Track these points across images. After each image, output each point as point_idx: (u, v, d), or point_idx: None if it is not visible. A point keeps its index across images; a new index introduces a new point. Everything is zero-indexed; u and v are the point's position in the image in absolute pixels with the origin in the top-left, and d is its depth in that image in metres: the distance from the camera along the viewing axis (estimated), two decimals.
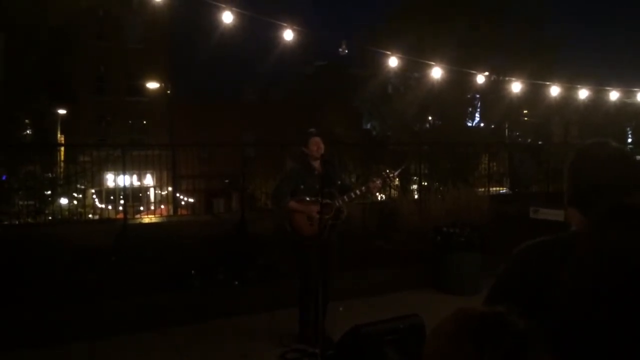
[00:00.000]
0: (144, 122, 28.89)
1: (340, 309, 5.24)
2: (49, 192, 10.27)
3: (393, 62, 7.47)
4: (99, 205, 17.97)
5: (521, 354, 0.81)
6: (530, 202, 7.20)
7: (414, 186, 12.21)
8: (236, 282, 5.66)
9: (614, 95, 9.88)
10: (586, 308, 1.14)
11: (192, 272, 5.59)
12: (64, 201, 10.86)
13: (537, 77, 10.24)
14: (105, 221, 9.41)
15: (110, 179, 16.87)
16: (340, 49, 6.55)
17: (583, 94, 9.64)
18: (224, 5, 5.66)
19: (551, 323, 1.10)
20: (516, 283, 1.30)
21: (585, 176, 1.35)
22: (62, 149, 13.17)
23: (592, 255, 1.17)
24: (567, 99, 10.26)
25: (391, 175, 4.87)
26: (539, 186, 11.49)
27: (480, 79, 8.98)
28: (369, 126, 27.45)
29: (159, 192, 15.02)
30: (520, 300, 1.10)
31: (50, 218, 9.22)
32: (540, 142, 17.40)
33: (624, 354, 1.12)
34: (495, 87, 12.31)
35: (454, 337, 0.85)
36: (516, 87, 8.99)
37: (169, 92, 26.58)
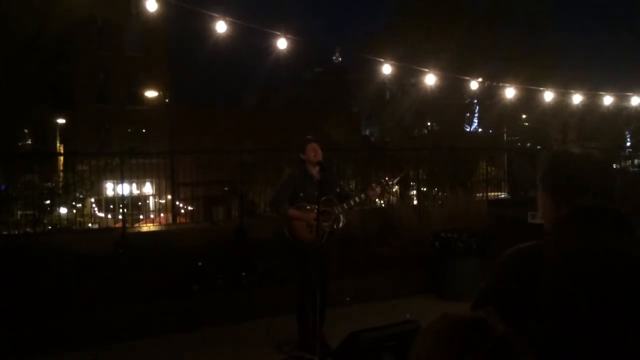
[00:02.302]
0: (144, 130, 28.93)
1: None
2: (48, 202, 10.27)
3: (390, 69, 7.49)
4: (98, 214, 17.98)
5: (501, 356, 0.85)
6: (529, 207, 7.20)
7: (413, 191, 12.23)
8: (235, 289, 5.66)
9: (611, 99, 9.91)
10: (555, 312, 1.17)
11: (192, 278, 5.60)
12: (63, 210, 10.86)
13: (534, 82, 10.28)
14: (104, 230, 9.41)
15: (110, 188, 16.87)
16: (334, 57, 6.53)
17: (580, 98, 9.67)
18: (220, 16, 5.69)
19: (533, 327, 1.12)
20: (501, 289, 1.32)
21: (566, 173, 1.37)
22: (61, 157, 13.18)
23: (553, 260, 1.21)
24: (565, 104, 10.29)
25: (390, 182, 4.89)
26: None
27: (477, 85, 9.01)
28: (367, 132, 27.54)
29: (158, 200, 15.00)
30: (506, 306, 1.12)
31: (49, 227, 9.22)
32: (538, 147, 17.45)
33: (590, 355, 1.14)
34: (493, 93, 12.35)
35: (439, 340, 0.89)
36: (513, 92, 9.02)
37: (167, 100, 26.61)
